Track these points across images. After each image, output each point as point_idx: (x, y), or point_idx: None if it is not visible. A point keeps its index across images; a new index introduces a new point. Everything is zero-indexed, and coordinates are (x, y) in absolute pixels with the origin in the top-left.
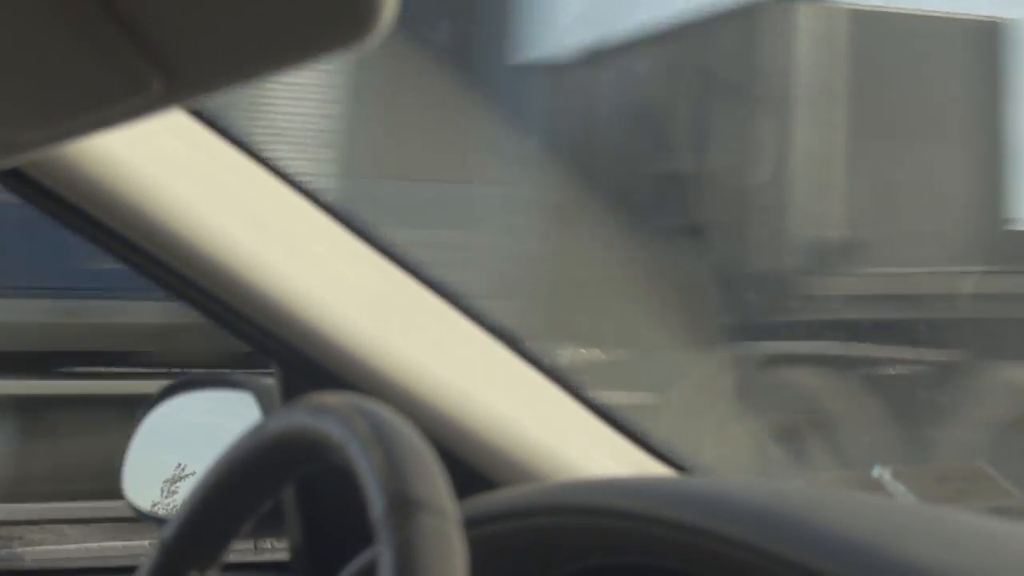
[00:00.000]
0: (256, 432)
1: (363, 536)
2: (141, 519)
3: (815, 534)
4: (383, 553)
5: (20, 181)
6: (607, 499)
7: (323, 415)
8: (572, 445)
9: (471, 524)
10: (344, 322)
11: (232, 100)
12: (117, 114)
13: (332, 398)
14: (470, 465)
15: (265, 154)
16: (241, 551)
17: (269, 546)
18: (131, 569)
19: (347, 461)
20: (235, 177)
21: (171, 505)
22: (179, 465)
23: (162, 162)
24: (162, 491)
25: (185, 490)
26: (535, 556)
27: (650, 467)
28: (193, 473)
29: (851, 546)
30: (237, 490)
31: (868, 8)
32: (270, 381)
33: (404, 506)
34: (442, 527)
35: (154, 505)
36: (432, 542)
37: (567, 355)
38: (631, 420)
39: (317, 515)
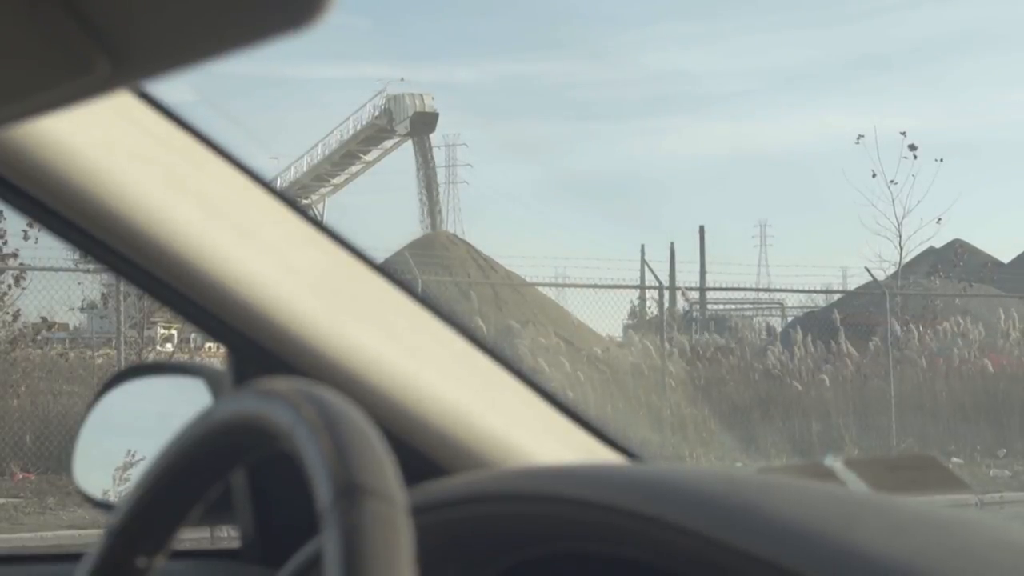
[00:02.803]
0: (204, 418)
1: (314, 522)
2: (92, 506)
3: (764, 522)
4: (330, 539)
5: None
6: (558, 487)
7: (271, 401)
8: (523, 432)
9: (421, 511)
10: (295, 308)
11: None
12: (63, 96)
13: (280, 384)
14: (420, 452)
15: (215, 138)
16: (193, 539)
17: (225, 534)
18: (80, 556)
19: (295, 447)
20: (183, 161)
21: (122, 492)
22: (130, 452)
23: (108, 145)
24: (113, 479)
25: (136, 477)
26: (486, 544)
27: (600, 454)
28: (144, 460)
29: (800, 533)
30: (185, 476)
31: None
32: (222, 367)
33: (351, 493)
34: (389, 514)
35: (105, 492)
36: (379, 529)
37: None
38: (581, 408)
39: (268, 502)
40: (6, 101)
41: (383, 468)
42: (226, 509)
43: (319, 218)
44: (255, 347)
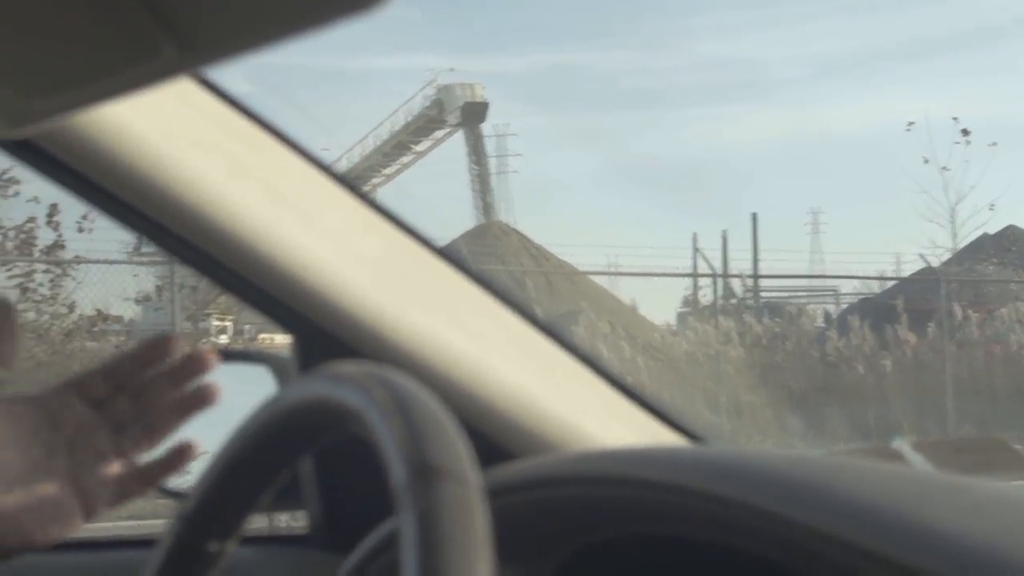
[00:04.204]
0: (274, 402)
1: (382, 507)
2: (158, 494)
3: (836, 500)
4: (405, 522)
5: (30, 152)
6: (626, 469)
7: (342, 384)
8: (587, 416)
9: (490, 495)
10: (359, 293)
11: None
12: (129, 81)
13: (351, 367)
14: (486, 437)
15: (276, 125)
16: (259, 525)
17: (283, 523)
18: (150, 542)
19: (367, 430)
20: (248, 149)
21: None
22: (195, 439)
23: (174, 133)
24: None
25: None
26: (554, 527)
27: (664, 437)
28: (208, 447)
29: (875, 512)
30: (256, 461)
31: None
32: (286, 355)
33: (426, 474)
34: (465, 495)
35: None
36: (455, 510)
37: None
38: (645, 391)
39: (335, 487)
40: (74, 86)
41: (457, 449)
42: (293, 495)
43: (381, 204)
44: (320, 333)
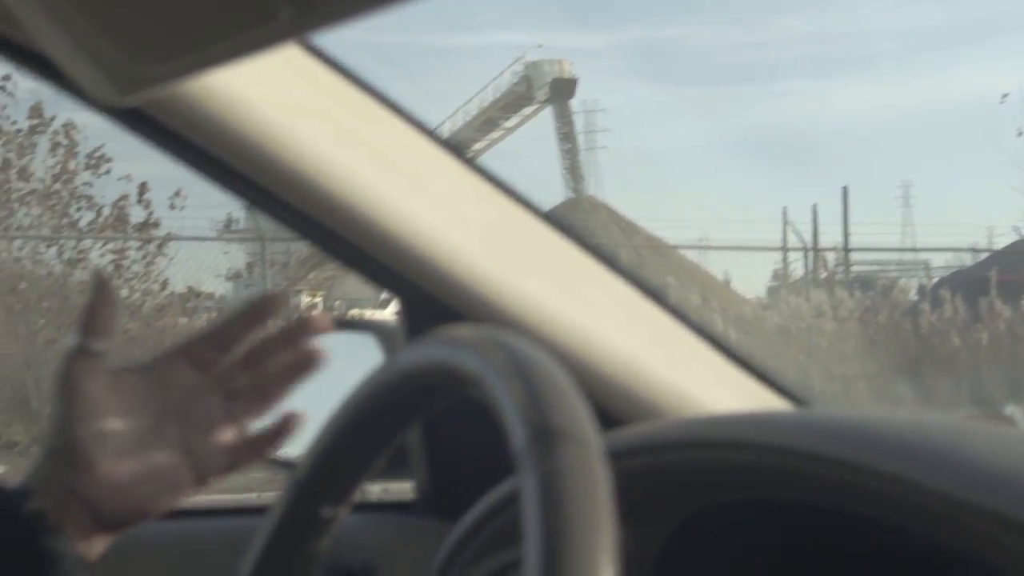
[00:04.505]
0: (390, 366)
1: (489, 474)
2: (267, 464)
3: (963, 463)
4: (526, 484)
5: (140, 120)
6: (741, 432)
7: (458, 347)
8: (696, 382)
9: (609, 459)
10: (469, 259)
11: None
12: (244, 45)
13: (466, 331)
14: (594, 403)
15: (383, 91)
16: (365, 494)
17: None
18: (260, 510)
19: (485, 394)
20: (356, 116)
21: (294, 450)
22: (301, 408)
23: (282, 100)
24: None
25: (307, 436)
26: (669, 492)
27: (772, 402)
28: (315, 416)
29: (1002, 474)
30: (371, 425)
31: None
32: (392, 323)
33: (547, 437)
34: (587, 457)
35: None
36: (577, 472)
37: None
38: (751, 356)
39: (443, 455)
40: (188, 51)
41: (578, 411)
42: (400, 464)
43: (488, 171)
44: (429, 300)
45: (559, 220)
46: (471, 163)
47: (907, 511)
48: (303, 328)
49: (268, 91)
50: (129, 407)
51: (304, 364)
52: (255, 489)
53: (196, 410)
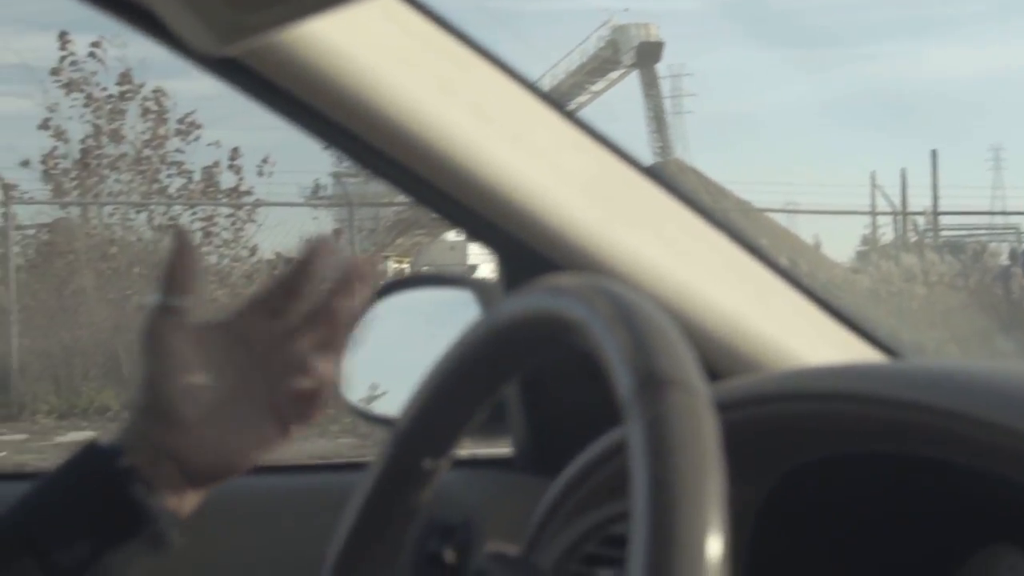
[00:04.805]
0: (492, 316)
1: (588, 430)
2: (362, 420)
3: None
4: (633, 432)
5: (238, 71)
6: (844, 383)
7: (562, 295)
8: (796, 335)
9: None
10: (568, 213)
11: None
12: None
13: (570, 279)
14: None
15: (479, 42)
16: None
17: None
18: (355, 466)
19: (590, 341)
20: (455, 67)
21: (381, 403)
22: (397, 364)
23: (380, 50)
24: (370, 388)
25: (400, 390)
26: (770, 446)
27: (868, 355)
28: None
29: None
30: (474, 375)
31: None
32: (489, 279)
33: (654, 383)
34: (694, 404)
35: (373, 406)
36: (685, 418)
37: None
38: (848, 308)
39: (541, 411)
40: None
41: (685, 358)
42: (499, 420)
43: (588, 123)
44: (528, 252)
45: (658, 173)
46: (571, 115)
47: (1012, 461)
48: (352, 273)
49: (365, 41)
50: (213, 361)
51: (356, 310)
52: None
53: (275, 361)
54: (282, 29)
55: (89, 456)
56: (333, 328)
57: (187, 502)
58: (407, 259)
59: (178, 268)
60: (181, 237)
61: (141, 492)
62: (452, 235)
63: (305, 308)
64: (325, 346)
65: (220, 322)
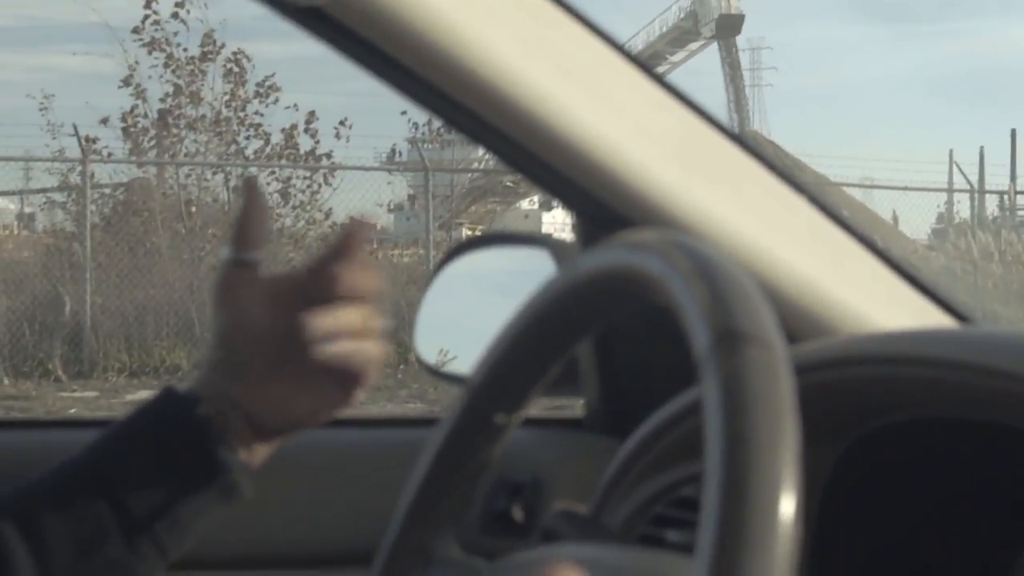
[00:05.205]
0: (569, 271)
1: (661, 392)
2: (433, 377)
3: None
4: (708, 387)
5: (321, 21)
6: (920, 348)
7: (639, 251)
8: (871, 299)
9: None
10: (648, 172)
11: None
12: None
13: (648, 235)
14: None
15: (568, 1)
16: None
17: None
18: (427, 422)
19: (668, 297)
20: (539, 23)
21: (454, 364)
22: (472, 322)
23: (467, 5)
24: (443, 350)
25: (472, 350)
26: (844, 409)
27: (943, 321)
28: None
29: None
30: (550, 330)
31: None
32: (565, 238)
33: (731, 339)
34: (771, 360)
35: (443, 362)
36: (762, 374)
37: None
38: (922, 274)
39: (613, 372)
40: None
41: (763, 315)
42: (571, 381)
43: (671, 84)
44: (606, 211)
45: (740, 135)
46: (654, 75)
47: None
48: (351, 236)
49: None
50: (283, 317)
51: (360, 277)
52: None
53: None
54: None
55: (166, 403)
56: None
57: (257, 454)
58: (480, 227)
59: (248, 223)
60: (251, 191)
61: (215, 440)
62: (526, 204)
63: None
64: (348, 319)
65: (290, 276)
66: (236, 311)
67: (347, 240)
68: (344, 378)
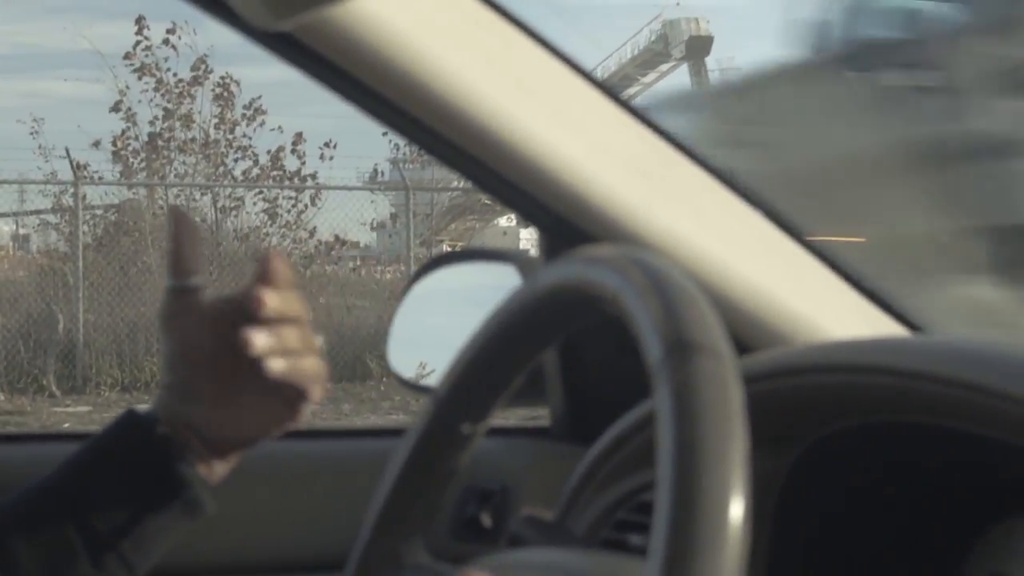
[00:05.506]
0: (529, 285)
1: (624, 400)
2: (407, 389)
3: None
4: (660, 397)
5: (290, 46)
6: (870, 356)
7: (595, 265)
8: (822, 308)
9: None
10: (606, 188)
11: None
12: None
13: (604, 250)
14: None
15: (527, 22)
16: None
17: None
18: (393, 432)
19: (623, 310)
20: (499, 43)
21: (431, 376)
22: (442, 336)
23: (428, 27)
24: (420, 364)
25: (444, 363)
26: (796, 417)
27: (894, 329)
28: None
29: None
30: (511, 342)
31: None
32: (532, 254)
33: (682, 350)
34: (721, 370)
35: (418, 376)
36: (711, 384)
37: None
38: (874, 283)
39: (578, 381)
40: None
41: (712, 326)
42: (536, 389)
43: (628, 102)
44: (567, 227)
45: (695, 151)
46: (613, 94)
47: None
48: (270, 262)
49: (416, 18)
50: (227, 338)
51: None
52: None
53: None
54: (333, 3)
55: (127, 424)
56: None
57: (216, 470)
58: (461, 243)
59: (181, 249)
60: (178, 219)
61: (175, 458)
62: (504, 221)
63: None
64: (284, 338)
65: (230, 297)
66: (181, 337)
67: (267, 266)
68: (289, 395)
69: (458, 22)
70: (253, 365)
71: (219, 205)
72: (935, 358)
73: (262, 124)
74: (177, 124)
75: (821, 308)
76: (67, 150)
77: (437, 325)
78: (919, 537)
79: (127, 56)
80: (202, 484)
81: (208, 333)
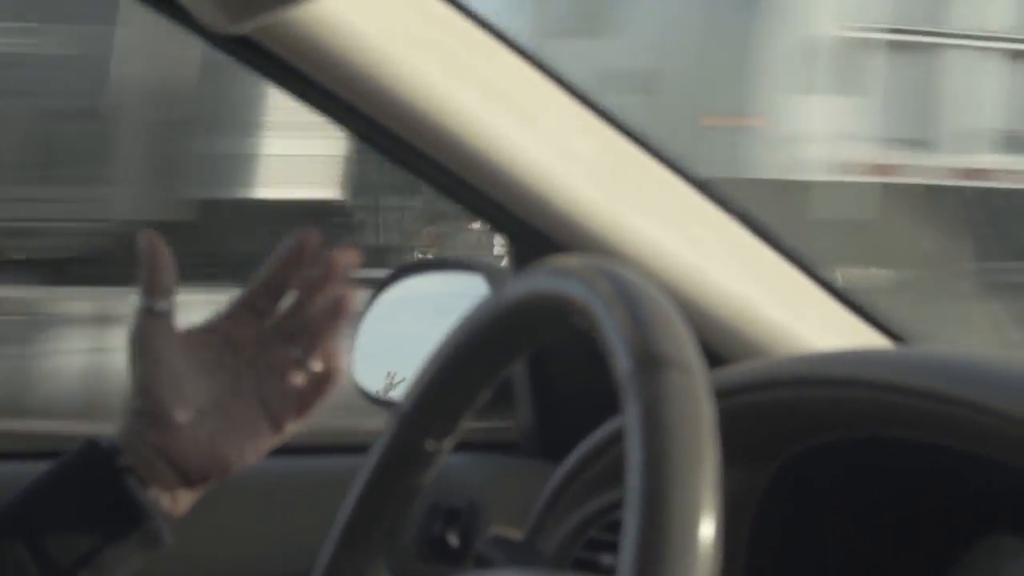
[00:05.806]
0: (495, 297)
1: (594, 415)
2: (371, 404)
3: None
4: (630, 411)
5: (249, 49)
6: (848, 369)
7: (563, 276)
8: (800, 320)
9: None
10: (576, 195)
11: None
12: None
13: (572, 260)
14: (700, 341)
15: (492, 24)
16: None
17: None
18: (357, 448)
19: (591, 322)
20: (465, 48)
21: (397, 390)
22: (407, 348)
23: (392, 30)
24: (388, 376)
25: (412, 375)
26: (772, 431)
27: (874, 341)
28: (421, 356)
29: None
30: (476, 356)
31: None
32: (501, 263)
33: (651, 364)
34: (691, 385)
35: (383, 390)
36: (681, 398)
37: None
38: (854, 293)
39: (546, 396)
40: None
41: (683, 339)
42: (504, 404)
43: (599, 105)
44: (536, 235)
45: (667, 154)
46: (582, 96)
47: (1013, 448)
48: (327, 269)
49: (377, 20)
50: (202, 363)
51: (341, 303)
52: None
53: (264, 360)
54: (291, 7)
55: (87, 453)
56: (316, 323)
57: (182, 501)
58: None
59: (153, 272)
60: (150, 241)
61: (137, 490)
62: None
63: (286, 307)
64: (313, 341)
65: (208, 324)
66: (153, 361)
67: (288, 258)
68: (277, 416)
69: (421, 24)
70: (233, 388)
71: None
72: (915, 371)
73: None
74: None
75: (799, 318)
76: None
77: (404, 335)
78: (900, 554)
79: None
80: (163, 516)
81: (182, 357)
